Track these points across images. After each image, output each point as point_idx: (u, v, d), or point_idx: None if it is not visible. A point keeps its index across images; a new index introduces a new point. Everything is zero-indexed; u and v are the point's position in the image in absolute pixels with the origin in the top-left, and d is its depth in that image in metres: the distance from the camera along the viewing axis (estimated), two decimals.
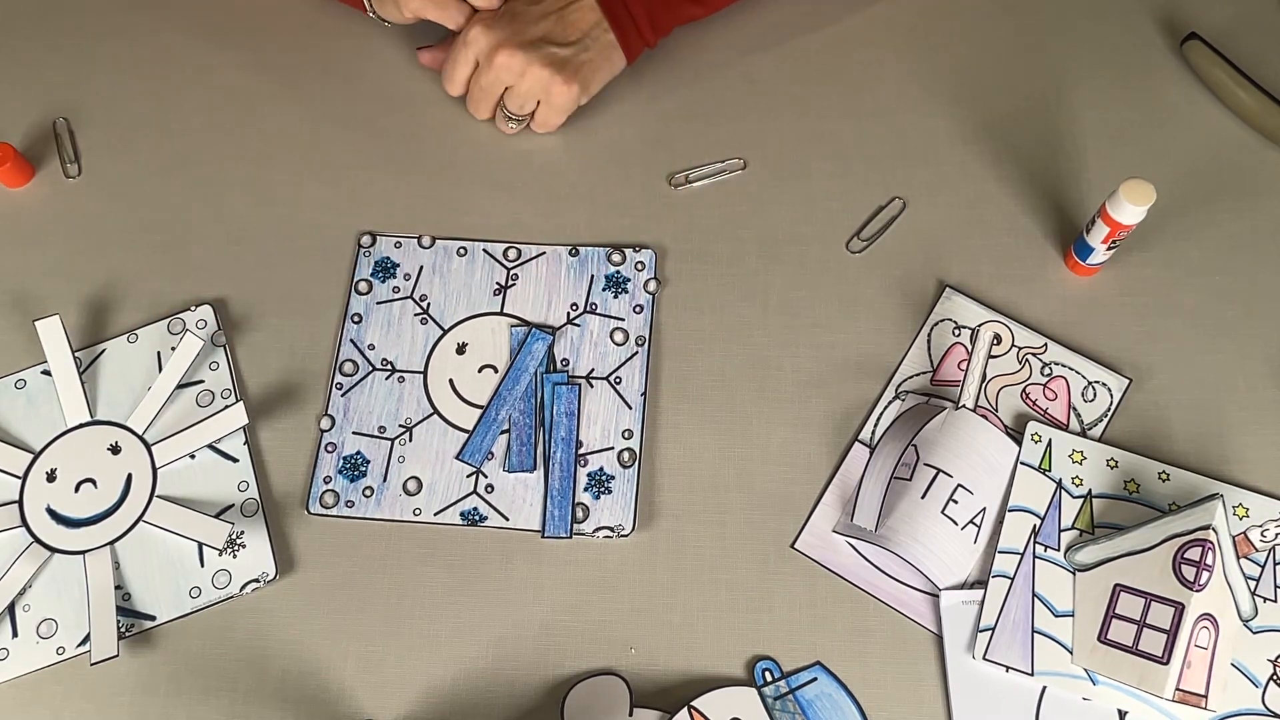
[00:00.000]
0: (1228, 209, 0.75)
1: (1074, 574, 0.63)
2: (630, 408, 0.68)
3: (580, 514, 0.65)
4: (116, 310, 0.72)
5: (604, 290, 0.72)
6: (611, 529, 0.65)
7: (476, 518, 0.65)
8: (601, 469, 0.66)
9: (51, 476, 0.66)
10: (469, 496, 0.66)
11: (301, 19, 0.81)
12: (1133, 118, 0.78)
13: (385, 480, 0.66)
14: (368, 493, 0.66)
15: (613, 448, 0.67)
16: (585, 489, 0.66)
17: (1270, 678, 0.61)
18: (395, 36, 0.81)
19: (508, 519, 0.65)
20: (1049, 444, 0.67)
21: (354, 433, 0.68)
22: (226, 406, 0.68)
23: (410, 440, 0.67)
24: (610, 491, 0.66)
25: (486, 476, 0.66)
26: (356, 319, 0.71)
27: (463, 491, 0.66)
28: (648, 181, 0.76)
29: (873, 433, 0.68)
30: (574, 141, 0.78)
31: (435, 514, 0.66)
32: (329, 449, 0.67)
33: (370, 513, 0.66)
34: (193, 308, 0.71)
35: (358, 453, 0.67)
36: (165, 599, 0.64)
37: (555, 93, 0.72)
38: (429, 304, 0.72)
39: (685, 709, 0.60)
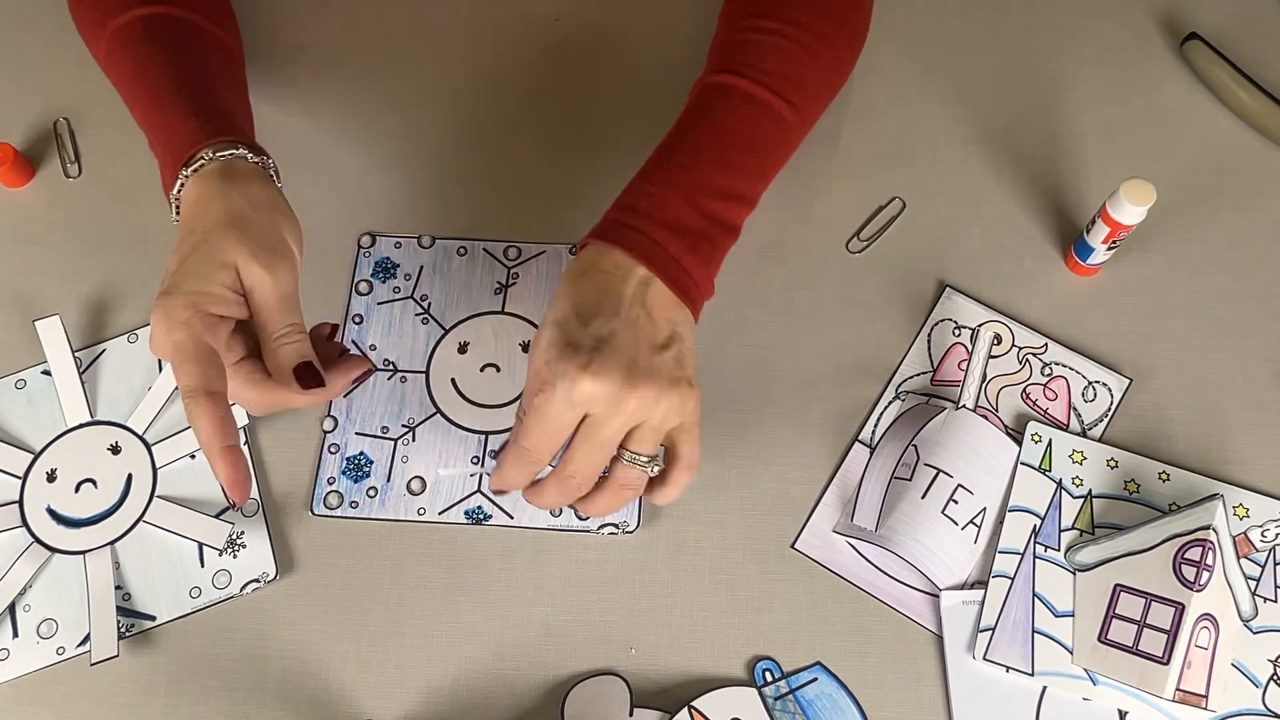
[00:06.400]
0: (1228, 209, 0.75)
1: (1074, 574, 0.63)
2: None
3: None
4: (116, 310, 0.72)
5: None
6: (616, 525, 0.65)
7: (481, 516, 0.65)
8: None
9: (52, 476, 0.66)
10: (473, 495, 0.66)
11: (300, 20, 0.81)
12: (1133, 118, 0.78)
13: (389, 480, 0.66)
14: (371, 493, 0.66)
15: None
16: None
17: (1270, 678, 0.61)
18: (394, 38, 0.81)
19: (512, 516, 0.65)
20: (1049, 444, 0.67)
21: (357, 433, 0.68)
22: None
23: (414, 440, 0.67)
24: None
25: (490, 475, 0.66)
26: (358, 320, 0.71)
27: (467, 490, 0.66)
28: None
29: (873, 433, 0.68)
30: (572, 141, 0.77)
31: (439, 513, 0.66)
32: (332, 450, 0.67)
33: (375, 513, 0.66)
34: None
35: (361, 453, 0.67)
36: (165, 599, 0.64)
37: (691, 407, 0.57)
38: (430, 304, 0.72)
39: (685, 709, 0.60)
